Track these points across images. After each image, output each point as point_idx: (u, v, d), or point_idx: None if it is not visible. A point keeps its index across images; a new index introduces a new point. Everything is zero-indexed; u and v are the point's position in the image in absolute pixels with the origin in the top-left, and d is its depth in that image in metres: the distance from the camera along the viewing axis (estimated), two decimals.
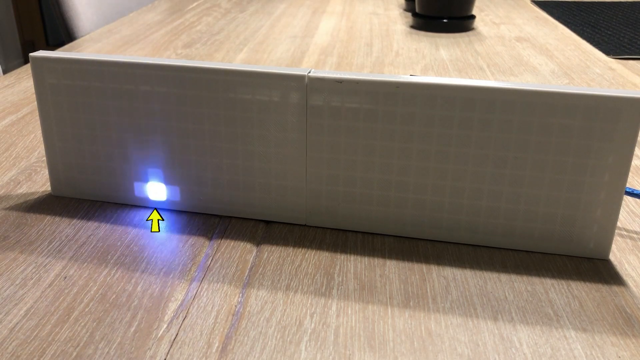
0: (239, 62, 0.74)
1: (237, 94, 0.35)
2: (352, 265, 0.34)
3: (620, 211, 0.39)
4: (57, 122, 0.39)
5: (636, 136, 0.32)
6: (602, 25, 0.95)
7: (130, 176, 0.39)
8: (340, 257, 0.34)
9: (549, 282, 0.32)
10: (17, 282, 0.32)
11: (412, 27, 0.94)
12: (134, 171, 0.39)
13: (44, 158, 0.47)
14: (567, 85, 0.45)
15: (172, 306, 0.30)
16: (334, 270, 0.33)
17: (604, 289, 0.32)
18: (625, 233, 0.37)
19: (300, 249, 0.35)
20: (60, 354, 0.27)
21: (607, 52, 0.79)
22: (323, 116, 0.35)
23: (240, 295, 0.31)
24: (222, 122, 0.36)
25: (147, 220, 0.38)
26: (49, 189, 0.42)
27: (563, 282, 0.32)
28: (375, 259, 0.34)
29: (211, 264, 0.34)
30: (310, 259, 0.34)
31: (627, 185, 0.44)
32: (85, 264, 0.34)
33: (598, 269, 0.34)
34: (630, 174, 0.45)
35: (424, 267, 0.34)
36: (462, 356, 0.27)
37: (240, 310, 0.30)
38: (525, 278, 0.33)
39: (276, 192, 0.37)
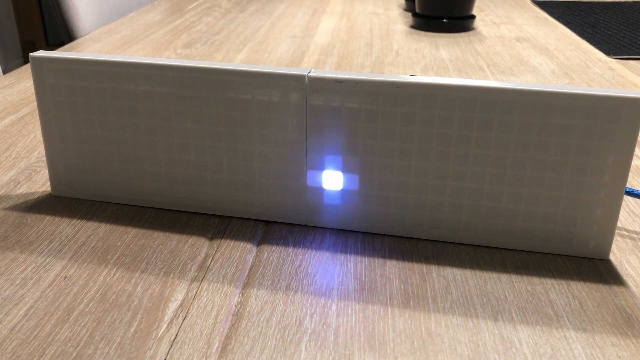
0: (239, 62, 0.74)
1: (237, 94, 0.35)
2: (352, 265, 0.34)
3: (620, 211, 0.39)
4: (57, 122, 0.39)
5: (636, 136, 0.32)
6: (602, 25, 0.95)
7: (130, 176, 0.39)
8: (340, 257, 0.34)
9: (549, 282, 0.32)
10: (17, 282, 0.32)
11: (412, 27, 0.94)
12: (134, 171, 0.39)
13: (44, 158, 0.47)
14: (567, 85, 0.45)
15: (172, 306, 0.30)
16: (334, 270, 0.33)
17: (604, 289, 0.32)
18: (625, 233, 0.37)
19: (300, 249, 0.35)
20: (60, 354, 0.27)
21: (607, 52, 0.79)
22: (323, 116, 0.35)
23: (240, 295, 0.31)
24: (222, 122, 0.36)
25: None
26: (49, 189, 0.42)
27: (563, 282, 0.32)
28: (375, 259, 0.34)
29: (211, 264, 0.34)
30: (310, 259, 0.34)
31: (627, 185, 0.44)
32: (85, 264, 0.34)
33: (598, 269, 0.34)
34: (630, 174, 0.45)
35: (424, 267, 0.34)
36: (462, 356, 0.27)
37: (240, 310, 0.30)
38: (525, 278, 0.33)
39: (276, 192, 0.37)
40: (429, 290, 0.32)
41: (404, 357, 0.27)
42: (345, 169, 0.36)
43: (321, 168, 0.36)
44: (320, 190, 0.37)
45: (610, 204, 0.33)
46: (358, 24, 0.97)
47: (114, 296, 0.31)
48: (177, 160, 0.38)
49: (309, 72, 0.34)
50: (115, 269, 0.33)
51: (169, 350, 0.27)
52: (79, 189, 0.40)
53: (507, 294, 0.31)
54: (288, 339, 0.28)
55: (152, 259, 0.34)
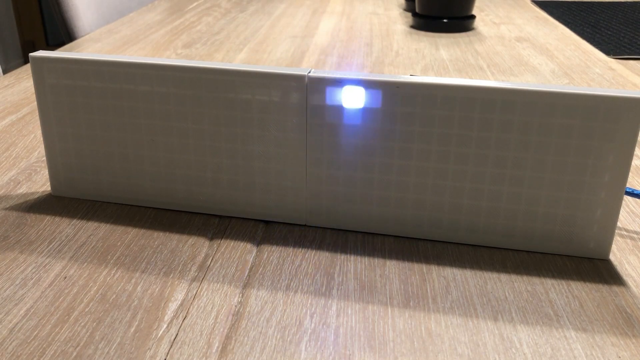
0: (239, 62, 0.74)
1: (237, 94, 0.35)
2: (352, 265, 0.34)
3: (620, 211, 0.39)
4: (57, 122, 0.39)
5: (636, 136, 0.32)
6: (602, 25, 0.95)
7: (130, 176, 0.39)
8: (340, 257, 0.34)
9: (549, 282, 0.32)
10: (17, 282, 0.32)
11: (412, 27, 0.94)
12: (134, 171, 0.39)
13: (44, 158, 0.47)
14: (567, 85, 0.45)
15: (172, 306, 0.30)
16: (334, 270, 0.33)
17: (604, 289, 0.32)
18: (625, 233, 0.37)
19: (300, 249, 0.35)
20: (60, 354, 0.27)
21: (607, 52, 0.79)
22: (323, 116, 0.35)
23: (240, 295, 0.31)
24: (222, 122, 0.36)
25: None
26: (49, 189, 0.42)
27: (563, 282, 0.32)
28: (375, 259, 0.34)
29: (211, 264, 0.34)
30: (310, 259, 0.34)
31: (627, 185, 0.44)
32: (85, 264, 0.34)
33: (598, 269, 0.34)
34: (630, 174, 0.45)
35: (424, 267, 0.34)
36: (462, 356, 0.27)
37: (240, 310, 0.30)
38: (525, 278, 0.33)
39: (276, 192, 0.37)
40: (429, 290, 0.32)
41: (404, 357, 0.27)
42: (345, 169, 0.36)
43: (321, 168, 0.36)
44: (320, 190, 0.37)
45: (610, 204, 0.33)
46: (358, 24, 0.97)
47: (114, 296, 0.31)
48: (177, 160, 0.38)
49: (309, 72, 0.34)
50: (115, 269, 0.33)
51: (169, 350, 0.27)
52: (79, 189, 0.40)
53: (507, 294, 0.31)
54: (288, 339, 0.28)
55: (152, 259, 0.34)
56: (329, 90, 0.34)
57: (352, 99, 0.34)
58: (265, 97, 0.35)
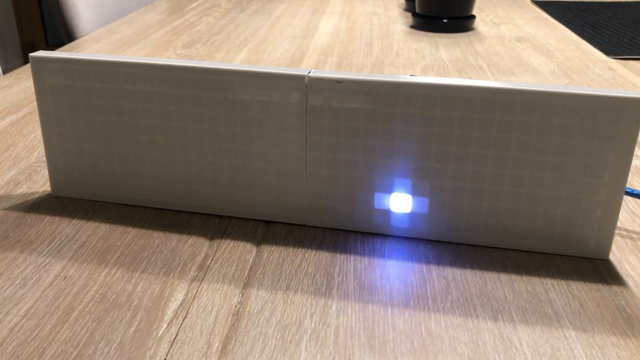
0: (239, 62, 0.74)
1: (237, 94, 0.35)
2: (352, 265, 0.34)
3: (620, 211, 0.39)
4: (57, 122, 0.39)
5: (636, 136, 0.32)
6: (602, 25, 0.95)
7: (130, 176, 0.39)
8: (340, 257, 0.34)
9: (549, 282, 0.32)
10: (17, 282, 0.32)
11: (412, 27, 0.94)
12: (134, 171, 0.39)
13: (44, 158, 0.47)
14: (567, 85, 0.45)
15: (172, 306, 0.30)
16: (334, 270, 0.33)
17: (604, 289, 0.32)
18: (625, 233, 0.37)
19: (300, 249, 0.35)
20: (60, 354, 0.27)
21: (607, 52, 0.79)
22: (323, 116, 0.35)
23: (240, 295, 0.31)
24: (222, 122, 0.36)
25: None
26: (49, 189, 0.42)
27: (563, 282, 0.33)
28: (375, 259, 0.34)
29: (211, 264, 0.34)
30: (310, 259, 0.34)
31: (627, 185, 0.44)
32: (85, 264, 0.34)
33: (598, 269, 0.34)
34: (630, 174, 0.45)
35: (424, 267, 0.34)
36: (462, 356, 0.27)
37: (240, 310, 0.30)
38: (525, 278, 0.33)
39: (276, 192, 0.37)
40: (429, 290, 0.32)
41: (404, 357, 0.27)
42: (344, 169, 0.36)
43: (321, 168, 0.36)
44: (320, 190, 0.37)
45: (610, 204, 0.33)
46: (358, 24, 0.97)
47: (114, 296, 0.31)
48: (177, 160, 0.38)
49: (309, 73, 0.34)
50: (115, 269, 0.33)
51: (169, 350, 0.27)
52: (79, 189, 0.40)
53: (507, 294, 0.31)
54: (288, 339, 0.28)
55: (152, 259, 0.34)
56: (328, 90, 0.34)
57: None
58: (265, 97, 0.35)
